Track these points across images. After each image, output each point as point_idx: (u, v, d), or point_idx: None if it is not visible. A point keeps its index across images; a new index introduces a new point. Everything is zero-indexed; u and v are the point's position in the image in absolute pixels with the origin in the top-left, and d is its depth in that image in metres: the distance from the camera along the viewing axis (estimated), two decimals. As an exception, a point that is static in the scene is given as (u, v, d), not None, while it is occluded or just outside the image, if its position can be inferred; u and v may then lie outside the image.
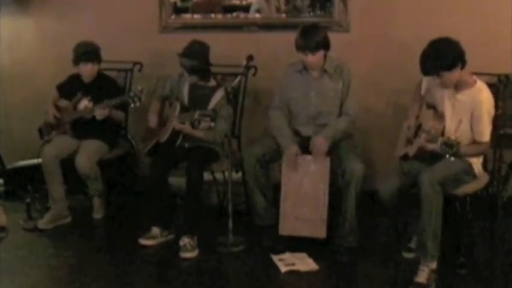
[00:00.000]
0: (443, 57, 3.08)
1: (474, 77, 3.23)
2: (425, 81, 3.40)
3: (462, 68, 3.14)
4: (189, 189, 3.63)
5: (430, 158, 3.21)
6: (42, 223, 3.99)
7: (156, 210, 3.81)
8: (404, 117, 3.57)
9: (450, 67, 3.09)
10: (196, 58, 3.79)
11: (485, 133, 3.19)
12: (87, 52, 4.06)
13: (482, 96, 3.18)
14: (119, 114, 4.15)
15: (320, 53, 3.57)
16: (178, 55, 3.81)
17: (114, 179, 4.43)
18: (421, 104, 3.45)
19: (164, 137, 3.81)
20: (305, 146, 3.65)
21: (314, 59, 3.56)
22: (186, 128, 3.71)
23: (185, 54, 3.80)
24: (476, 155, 3.25)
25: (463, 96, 3.21)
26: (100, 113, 3.96)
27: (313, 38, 3.53)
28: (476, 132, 3.19)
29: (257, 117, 4.49)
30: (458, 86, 3.21)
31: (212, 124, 3.55)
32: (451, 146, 2.89)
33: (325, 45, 3.58)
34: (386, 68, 4.20)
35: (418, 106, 3.47)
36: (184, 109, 3.81)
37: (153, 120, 3.95)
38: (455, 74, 3.13)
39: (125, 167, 4.49)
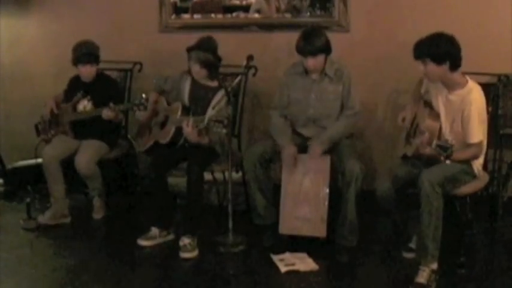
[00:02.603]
0: (435, 46, 3.08)
1: (467, 77, 3.22)
2: (426, 80, 3.40)
3: (452, 69, 3.12)
4: (189, 189, 3.63)
5: (427, 159, 3.21)
6: (43, 218, 4.00)
7: (156, 210, 3.81)
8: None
9: (437, 59, 3.09)
10: (210, 51, 3.79)
11: (475, 134, 3.14)
12: (85, 54, 4.05)
13: (472, 96, 3.14)
14: (118, 116, 4.13)
15: (320, 57, 3.57)
16: (189, 49, 3.79)
17: (114, 179, 4.43)
18: (418, 100, 3.45)
19: (166, 139, 3.79)
20: (305, 147, 3.65)
21: (314, 62, 3.57)
22: (193, 137, 3.66)
23: (199, 47, 3.79)
24: (470, 158, 3.20)
25: (455, 96, 3.20)
26: (107, 114, 3.95)
27: (314, 42, 3.53)
28: (466, 133, 3.14)
29: (257, 117, 4.49)
30: (450, 86, 3.20)
31: (224, 131, 3.51)
32: (445, 149, 2.87)
33: (326, 49, 3.58)
34: (386, 68, 4.21)
35: (415, 102, 3.47)
36: (185, 109, 3.80)
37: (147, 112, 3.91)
38: (439, 70, 3.11)
39: (124, 167, 4.49)
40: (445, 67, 3.11)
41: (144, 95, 3.87)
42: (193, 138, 3.67)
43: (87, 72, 4.11)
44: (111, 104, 3.94)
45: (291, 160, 3.60)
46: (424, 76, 3.21)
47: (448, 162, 2.90)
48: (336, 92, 3.65)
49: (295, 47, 3.57)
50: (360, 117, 3.75)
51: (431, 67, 3.11)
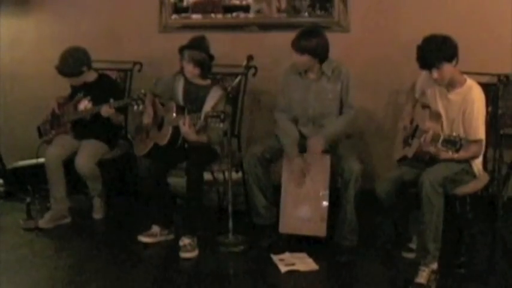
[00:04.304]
0: (445, 48, 3.10)
1: (464, 75, 3.23)
2: (420, 82, 3.40)
3: (456, 63, 3.15)
4: (189, 189, 3.63)
5: (429, 159, 3.21)
6: (43, 222, 4.00)
7: (156, 210, 3.81)
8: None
9: (451, 58, 3.11)
10: (203, 50, 3.80)
11: (479, 130, 3.15)
12: (61, 72, 4.03)
13: (473, 94, 3.16)
14: (119, 117, 4.13)
15: (305, 57, 3.56)
16: (182, 49, 3.78)
17: (114, 179, 4.43)
18: (414, 105, 3.45)
19: (164, 141, 3.78)
20: (305, 146, 3.65)
21: (298, 59, 3.58)
22: (191, 135, 3.65)
23: (194, 47, 3.79)
24: (472, 156, 3.19)
25: (454, 95, 3.21)
26: (106, 110, 3.94)
27: (303, 41, 3.53)
28: (469, 130, 3.15)
29: (257, 117, 4.49)
30: (449, 86, 3.21)
31: (221, 125, 3.51)
32: (454, 143, 2.86)
33: (314, 53, 3.55)
34: (386, 68, 4.20)
35: (411, 107, 3.47)
36: (180, 108, 3.80)
37: (148, 114, 3.90)
38: (451, 68, 3.13)
39: (124, 167, 4.49)
40: (454, 63, 3.14)
41: (142, 90, 3.87)
42: (191, 137, 3.66)
43: (72, 82, 4.13)
44: (111, 100, 3.93)
45: (300, 173, 3.60)
46: (437, 80, 3.20)
47: (456, 156, 2.89)
48: (334, 91, 3.65)
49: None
50: (358, 117, 3.75)
51: (446, 68, 3.12)
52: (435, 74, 3.14)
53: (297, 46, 3.55)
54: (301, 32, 3.59)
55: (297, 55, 3.57)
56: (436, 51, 3.09)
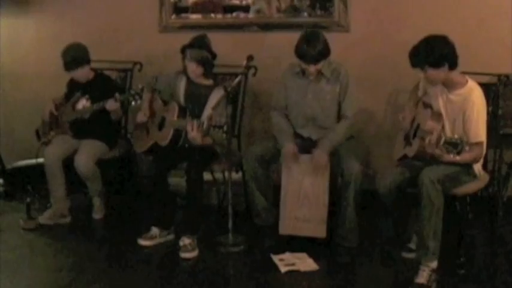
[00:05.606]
0: (431, 53, 3.08)
1: (466, 77, 3.22)
2: (423, 81, 3.40)
3: (451, 69, 3.12)
4: (189, 189, 3.63)
5: (429, 159, 3.20)
6: (43, 218, 4.02)
7: (156, 210, 3.81)
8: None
9: (436, 65, 3.09)
10: (205, 49, 3.80)
11: (479, 133, 3.14)
12: (69, 62, 4.04)
13: (474, 96, 3.15)
14: (118, 112, 4.13)
15: (322, 63, 3.56)
16: (184, 49, 3.79)
17: (113, 179, 4.43)
18: (416, 103, 3.45)
19: (165, 142, 3.77)
20: (305, 147, 3.65)
21: (316, 68, 3.56)
22: (198, 140, 3.63)
23: (195, 45, 3.79)
24: (473, 159, 3.17)
25: (455, 96, 3.20)
26: (111, 104, 3.94)
27: (316, 49, 3.48)
28: (468, 133, 3.13)
29: (257, 117, 4.50)
30: (450, 86, 3.20)
31: (224, 136, 3.50)
32: (455, 145, 2.84)
33: (326, 54, 3.56)
34: (386, 68, 4.20)
35: (413, 104, 3.47)
36: (182, 110, 3.80)
37: (144, 112, 3.90)
38: (440, 73, 3.12)
39: (124, 167, 4.49)
40: (445, 69, 3.11)
41: (140, 85, 3.88)
42: (199, 141, 3.65)
43: (79, 76, 4.13)
44: (117, 95, 3.93)
45: (290, 158, 3.59)
46: (426, 79, 3.21)
47: (458, 158, 2.87)
48: (332, 92, 3.64)
49: (296, 52, 3.54)
50: (357, 120, 3.75)
51: (431, 73, 3.12)
52: (420, 74, 3.16)
53: (314, 56, 3.49)
54: (307, 41, 3.49)
55: (314, 65, 3.53)
56: (419, 55, 3.11)
